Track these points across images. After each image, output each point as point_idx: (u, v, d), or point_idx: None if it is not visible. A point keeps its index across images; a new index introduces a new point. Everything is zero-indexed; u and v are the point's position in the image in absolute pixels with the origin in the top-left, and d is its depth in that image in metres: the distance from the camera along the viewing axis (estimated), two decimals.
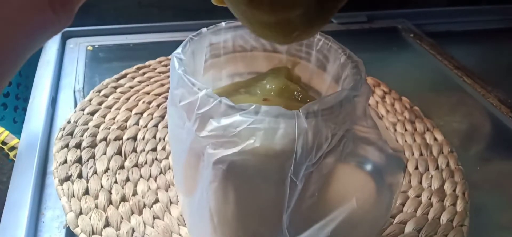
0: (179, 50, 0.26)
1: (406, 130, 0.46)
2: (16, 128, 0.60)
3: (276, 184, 0.22)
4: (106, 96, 0.46)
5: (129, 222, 0.34)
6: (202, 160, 0.23)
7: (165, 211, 0.35)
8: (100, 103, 0.45)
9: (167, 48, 0.56)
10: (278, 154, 0.21)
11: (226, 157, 0.22)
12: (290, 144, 0.21)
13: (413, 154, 0.43)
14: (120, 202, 0.35)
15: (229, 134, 0.21)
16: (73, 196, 0.35)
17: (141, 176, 0.38)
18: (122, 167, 0.38)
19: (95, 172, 0.37)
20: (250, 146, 0.21)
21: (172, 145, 0.28)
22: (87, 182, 0.36)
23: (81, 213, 0.33)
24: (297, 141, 0.21)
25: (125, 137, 0.41)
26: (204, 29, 0.29)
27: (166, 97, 0.47)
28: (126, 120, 0.43)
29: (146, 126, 0.43)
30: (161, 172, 0.38)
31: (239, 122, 0.21)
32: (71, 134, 0.41)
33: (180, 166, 0.26)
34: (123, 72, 0.51)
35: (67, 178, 0.36)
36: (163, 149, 0.41)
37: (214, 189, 0.23)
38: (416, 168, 0.41)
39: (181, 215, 0.35)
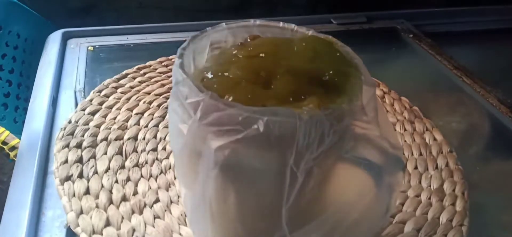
0: (181, 50, 0.27)
1: (405, 129, 0.46)
2: (17, 128, 0.59)
3: (277, 175, 0.22)
4: (107, 96, 0.47)
5: (130, 221, 0.34)
6: (204, 149, 0.23)
7: (165, 210, 0.35)
8: (100, 104, 0.45)
9: (168, 49, 0.57)
10: (280, 140, 0.22)
11: (228, 144, 0.22)
12: (292, 132, 0.21)
13: (412, 154, 0.43)
14: (120, 202, 0.35)
15: (232, 121, 0.21)
16: (74, 195, 0.35)
17: (141, 176, 0.38)
18: (122, 166, 0.38)
19: (95, 172, 0.37)
20: (252, 132, 0.21)
21: (173, 137, 0.28)
22: (88, 182, 0.36)
23: (81, 212, 0.34)
24: (299, 129, 0.21)
25: (125, 137, 0.41)
26: (209, 29, 0.29)
27: (166, 98, 0.48)
28: (126, 120, 0.44)
29: (146, 126, 0.43)
30: (161, 172, 0.38)
31: (242, 111, 0.21)
32: (72, 133, 0.41)
33: (181, 158, 0.26)
34: (124, 72, 0.51)
35: (68, 178, 0.36)
36: (164, 148, 0.41)
37: (214, 176, 0.23)
38: (416, 167, 0.42)
39: (181, 215, 0.35)
